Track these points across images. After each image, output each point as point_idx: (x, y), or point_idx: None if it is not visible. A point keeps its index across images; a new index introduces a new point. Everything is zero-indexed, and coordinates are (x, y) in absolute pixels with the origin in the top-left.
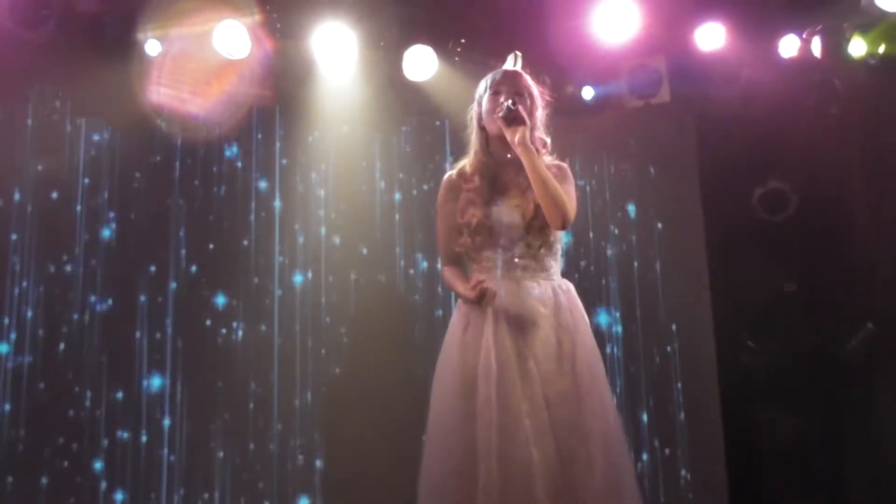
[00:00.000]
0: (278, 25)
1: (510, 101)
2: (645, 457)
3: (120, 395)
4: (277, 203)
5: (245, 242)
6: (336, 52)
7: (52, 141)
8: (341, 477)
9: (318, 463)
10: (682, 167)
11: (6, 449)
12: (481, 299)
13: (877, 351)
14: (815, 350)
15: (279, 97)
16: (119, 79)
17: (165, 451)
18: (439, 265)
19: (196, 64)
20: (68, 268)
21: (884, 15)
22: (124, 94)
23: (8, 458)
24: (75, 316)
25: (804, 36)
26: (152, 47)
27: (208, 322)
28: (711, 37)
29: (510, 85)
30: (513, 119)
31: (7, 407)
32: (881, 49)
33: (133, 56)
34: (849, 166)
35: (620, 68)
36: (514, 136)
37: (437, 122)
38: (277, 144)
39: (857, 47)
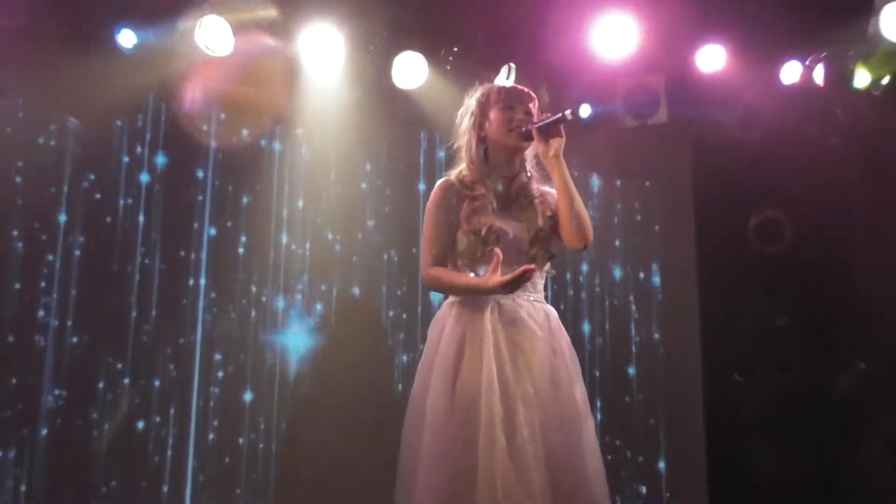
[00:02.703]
0: (264, 24)
1: (568, 111)
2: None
3: None
4: (263, 207)
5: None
6: (323, 55)
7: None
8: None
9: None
10: (677, 192)
11: None
12: (517, 282)
13: (868, 389)
14: (805, 386)
15: (263, 97)
16: (94, 70)
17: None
18: (421, 269)
19: (176, 59)
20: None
21: (889, 44)
22: (99, 86)
23: None
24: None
25: (807, 63)
26: (127, 38)
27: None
28: (712, 59)
29: (522, 102)
30: (549, 131)
31: None
32: (885, 80)
33: (108, 48)
34: (848, 199)
35: (618, 86)
36: (551, 150)
37: (426, 130)
38: (263, 143)
39: (862, 77)
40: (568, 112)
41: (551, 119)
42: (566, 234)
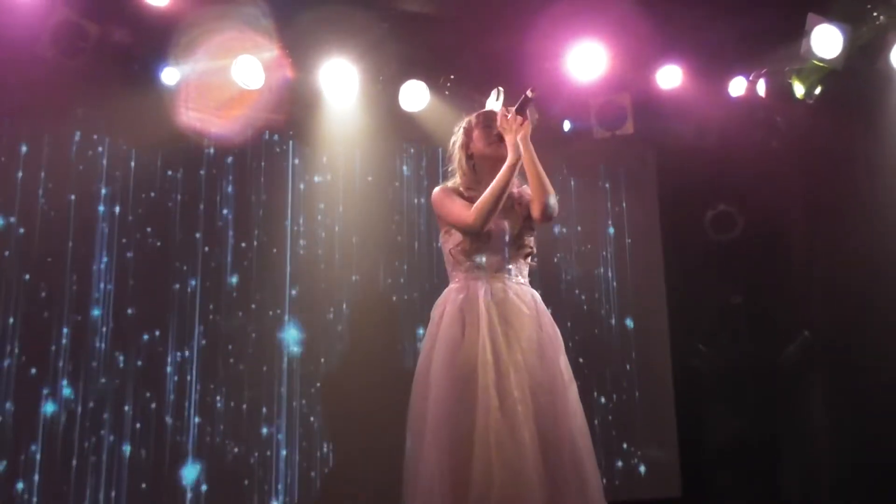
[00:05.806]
0: (290, 60)
1: (529, 90)
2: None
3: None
4: (288, 215)
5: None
6: (341, 85)
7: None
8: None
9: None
10: (643, 191)
11: None
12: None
13: (811, 357)
14: (756, 354)
15: (290, 122)
16: (144, 103)
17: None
18: (465, 221)
19: (216, 91)
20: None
21: (820, 61)
22: (148, 117)
23: None
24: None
25: (751, 78)
26: (171, 76)
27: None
28: (670, 77)
29: (497, 121)
30: (521, 112)
31: None
32: (816, 90)
33: (157, 84)
34: (788, 193)
35: (591, 103)
36: (518, 135)
37: (429, 148)
38: (291, 163)
39: (797, 89)
40: (529, 91)
41: (517, 105)
42: (535, 208)
